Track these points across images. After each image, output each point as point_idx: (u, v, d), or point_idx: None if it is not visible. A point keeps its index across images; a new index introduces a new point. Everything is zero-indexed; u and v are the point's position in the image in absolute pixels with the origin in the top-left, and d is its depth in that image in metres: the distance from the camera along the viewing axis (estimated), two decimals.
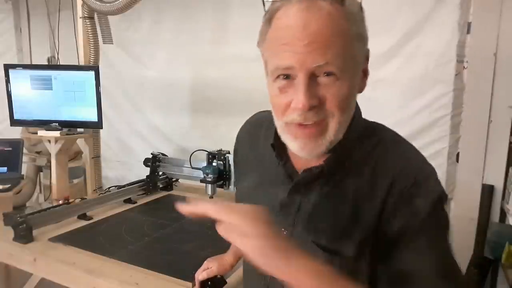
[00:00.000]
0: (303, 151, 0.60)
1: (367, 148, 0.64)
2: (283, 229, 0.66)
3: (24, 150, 2.78)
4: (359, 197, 0.62)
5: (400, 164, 0.62)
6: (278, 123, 0.63)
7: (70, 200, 1.77)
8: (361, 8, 0.60)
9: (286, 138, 0.62)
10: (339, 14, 0.55)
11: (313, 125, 0.57)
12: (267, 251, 0.49)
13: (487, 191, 1.94)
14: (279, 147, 0.67)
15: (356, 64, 0.60)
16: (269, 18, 0.57)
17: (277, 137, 0.66)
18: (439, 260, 0.58)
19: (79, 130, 2.42)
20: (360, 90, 0.64)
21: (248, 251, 0.49)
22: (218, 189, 2.08)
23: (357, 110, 0.68)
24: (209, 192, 2.04)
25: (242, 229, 0.49)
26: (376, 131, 0.68)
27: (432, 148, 2.03)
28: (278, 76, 0.57)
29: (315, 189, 0.65)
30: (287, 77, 0.57)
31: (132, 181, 2.23)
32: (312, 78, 0.55)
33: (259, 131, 0.75)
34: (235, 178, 0.87)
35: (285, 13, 0.55)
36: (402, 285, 0.59)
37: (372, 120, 0.74)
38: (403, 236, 0.59)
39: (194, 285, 1.19)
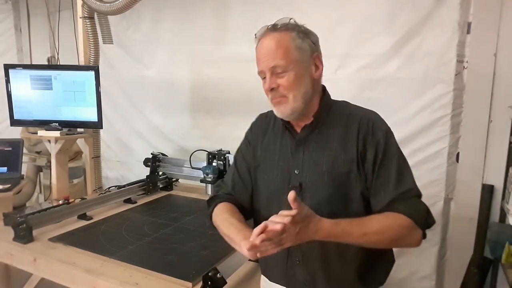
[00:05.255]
0: (279, 113, 1.02)
1: (337, 111, 1.05)
2: (296, 170, 1.03)
3: (24, 150, 2.78)
4: (340, 138, 1.00)
5: (361, 115, 1.02)
6: (269, 103, 1.04)
7: (70, 200, 1.77)
8: (303, 32, 1.00)
9: (272, 107, 1.04)
10: (283, 37, 0.98)
11: (278, 98, 1.00)
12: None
13: (487, 191, 1.94)
14: (286, 123, 1.08)
15: (298, 62, 0.98)
16: (256, 44, 1.03)
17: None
18: (397, 171, 0.97)
19: (79, 130, 2.42)
20: (316, 76, 1.02)
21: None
22: None
23: (326, 93, 1.08)
24: (209, 192, 2.05)
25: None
26: (341, 102, 1.10)
27: (432, 148, 2.03)
28: (262, 77, 1.04)
29: (311, 140, 1.04)
30: (265, 78, 1.02)
31: (132, 181, 2.24)
32: (273, 74, 0.99)
33: (269, 120, 1.17)
34: (245, 147, 1.20)
35: (260, 41, 1.02)
36: (379, 191, 0.97)
37: None
38: (376, 158, 0.97)
39: (194, 285, 1.19)
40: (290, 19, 1.02)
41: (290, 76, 0.98)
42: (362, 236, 0.90)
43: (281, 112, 1.01)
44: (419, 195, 0.97)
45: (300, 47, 0.98)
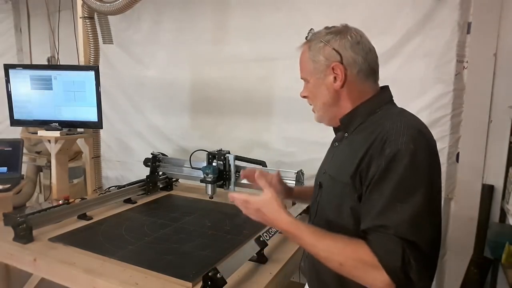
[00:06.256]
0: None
1: (377, 118, 0.95)
2: (323, 170, 1.07)
3: (24, 150, 2.78)
4: (358, 147, 0.91)
5: (387, 125, 0.88)
6: None
7: (70, 200, 1.77)
8: (324, 41, 0.97)
9: None
10: (304, 49, 1.02)
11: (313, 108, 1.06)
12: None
13: (487, 191, 1.94)
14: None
15: (314, 74, 1.00)
16: None
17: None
18: (387, 200, 0.81)
19: (79, 130, 2.42)
20: (335, 87, 0.98)
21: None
22: (218, 189, 2.08)
23: (378, 96, 1.01)
24: (209, 192, 2.04)
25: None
26: (391, 109, 1.00)
27: None
28: None
29: (342, 144, 1.03)
30: None
31: (132, 181, 2.24)
32: (305, 84, 1.04)
33: None
34: None
35: None
36: (364, 216, 0.86)
37: None
38: (373, 179, 0.84)
39: (194, 285, 1.19)
40: (310, 29, 1.02)
41: (310, 87, 1.03)
42: (311, 246, 0.90)
43: (315, 119, 1.08)
44: (402, 237, 0.78)
45: (313, 59, 0.99)
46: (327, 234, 0.89)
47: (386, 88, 1.04)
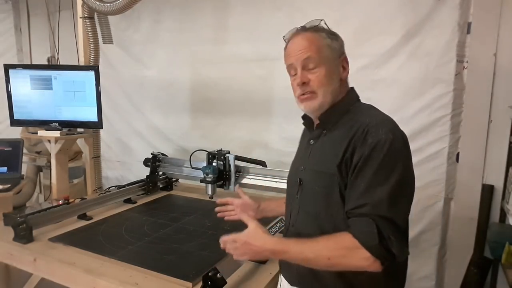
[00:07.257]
0: (305, 108, 1.07)
1: (351, 115, 1.03)
2: (302, 167, 1.09)
3: (24, 150, 2.78)
4: (339, 141, 0.99)
5: (365, 119, 0.98)
6: (295, 99, 1.08)
7: (70, 200, 1.77)
8: (332, 34, 1.05)
9: (299, 105, 1.07)
10: (314, 35, 1.04)
11: (307, 95, 1.03)
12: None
13: (487, 191, 1.94)
14: (308, 121, 1.16)
15: (329, 60, 1.03)
16: (286, 44, 1.09)
17: (306, 115, 1.14)
18: (367, 184, 0.90)
19: (79, 130, 2.42)
20: (342, 77, 1.06)
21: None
22: (218, 189, 2.08)
23: (349, 95, 1.09)
24: (209, 192, 2.04)
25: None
26: (363, 106, 1.09)
27: (432, 148, 2.03)
28: (292, 74, 1.07)
29: (320, 140, 1.08)
30: (295, 74, 1.05)
31: (132, 181, 2.24)
32: (304, 69, 1.03)
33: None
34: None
35: (290, 40, 1.07)
36: (347, 200, 0.95)
37: None
38: (356, 166, 0.93)
39: (194, 285, 1.19)
40: (321, 20, 1.07)
41: (321, 72, 1.01)
42: (299, 254, 0.95)
43: (308, 107, 1.05)
44: (381, 214, 0.88)
45: (330, 46, 1.03)
46: (309, 239, 0.95)
47: (353, 88, 1.11)
